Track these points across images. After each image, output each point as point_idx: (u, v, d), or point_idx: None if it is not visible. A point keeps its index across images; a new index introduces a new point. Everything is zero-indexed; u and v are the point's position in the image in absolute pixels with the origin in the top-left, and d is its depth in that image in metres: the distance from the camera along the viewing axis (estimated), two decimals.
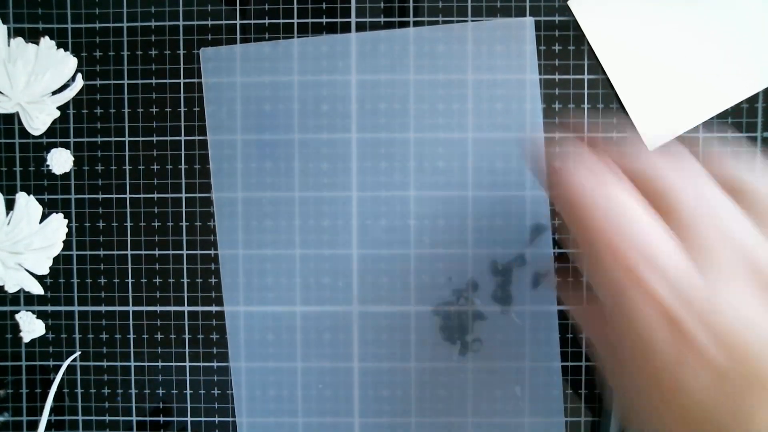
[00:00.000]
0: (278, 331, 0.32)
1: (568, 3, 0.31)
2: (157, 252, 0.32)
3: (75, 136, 0.32)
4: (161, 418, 0.32)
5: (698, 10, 0.31)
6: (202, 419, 0.32)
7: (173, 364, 0.32)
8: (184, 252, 0.32)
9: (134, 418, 0.32)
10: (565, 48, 0.31)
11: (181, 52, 0.32)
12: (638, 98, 0.31)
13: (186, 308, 0.32)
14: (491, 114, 0.31)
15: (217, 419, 0.32)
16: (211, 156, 0.32)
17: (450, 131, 0.31)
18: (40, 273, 0.32)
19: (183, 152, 0.32)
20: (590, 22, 0.31)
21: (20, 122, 0.32)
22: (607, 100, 0.31)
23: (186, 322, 0.32)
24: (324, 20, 0.32)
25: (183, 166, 0.32)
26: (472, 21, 0.31)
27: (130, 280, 0.32)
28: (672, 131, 0.31)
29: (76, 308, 0.32)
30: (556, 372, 0.31)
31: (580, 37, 0.31)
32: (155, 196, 0.32)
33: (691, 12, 0.31)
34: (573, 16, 0.31)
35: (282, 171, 0.31)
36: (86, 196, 0.32)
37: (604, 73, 0.31)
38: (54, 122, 0.32)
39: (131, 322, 0.32)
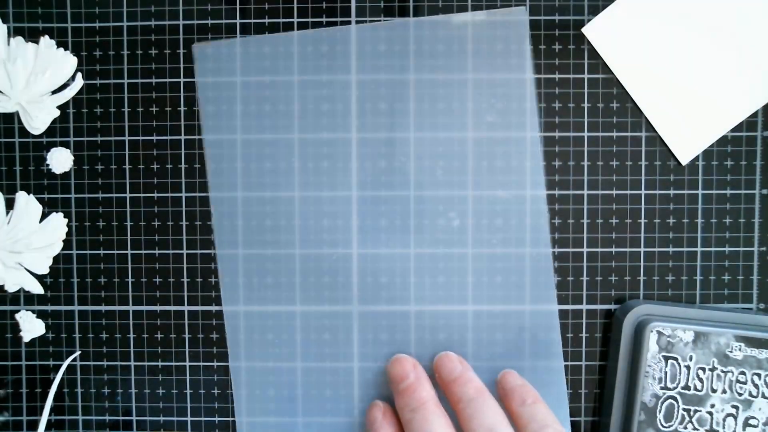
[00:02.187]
0: (278, 330, 0.32)
1: (583, 30, 0.31)
2: (156, 251, 0.32)
3: (75, 136, 0.32)
4: (161, 418, 0.32)
5: (713, 27, 0.31)
6: (202, 419, 0.32)
7: (173, 363, 0.32)
8: (184, 251, 0.32)
9: (134, 418, 0.32)
10: (565, 47, 0.31)
11: (181, 51, 0.32)
12: (665, 117, 0.31)
13: (186, 308, 0.32)
14: (491, 113, 0.31)
15: (217, 419, 0.32)
16: (210, 156, 0.32)
17: (450, 130, 0.31)
18: (40, 272, 0.32)
19: (183, 152, 0.32)
20: (607, 49, 0.31)
21: (20, 122, 0.32)
22: (606, 99, 0.31)
23: (186, 322, 0.32)
24: (324, 19, 0.32)
25: (183, 166, 0.32)
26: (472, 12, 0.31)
27: (130, 280, 0.32)
28: (701, 144, 0.31)
29: (76, 308, 0.32)
30: (559, 372, 0.31)
31: (580, 36, 0.31)
32: (155, 195, 0.32)
33: (706, 30, 0.31)
34: (573, 15, 0.31)
35: (282, 171, 0.31)
36: (86, 196, 0.32)
37: (604, 72, 0.31)
38: (54, 121, 0.32)
39: (131, 321, 0.32)
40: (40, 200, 0.32)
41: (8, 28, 0.32)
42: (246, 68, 0.31)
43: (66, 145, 0.32)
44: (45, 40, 0.31)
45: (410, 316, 0.31)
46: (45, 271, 0.32)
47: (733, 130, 0.31)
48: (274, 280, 0.32)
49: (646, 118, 0.31)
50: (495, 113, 0.31)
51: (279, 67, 0.31)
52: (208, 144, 0.32)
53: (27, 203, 0.32)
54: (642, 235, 0.32)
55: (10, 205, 0.32)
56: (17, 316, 0.32)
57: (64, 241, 0.32)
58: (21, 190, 0.32)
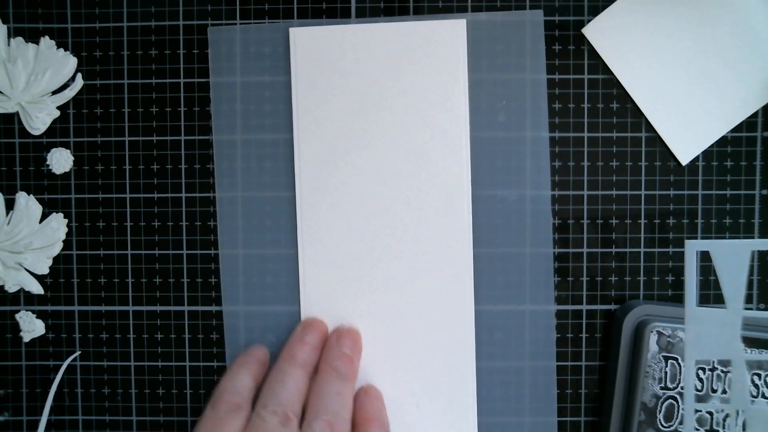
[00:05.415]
0: (278, 330, 0.32)
1: (583, 31, 0.31)
2: (157, 252, 0.32)
3: (75, 136, 0.32)
4: (161, 418, 0.32)
5: (713, 27, 0.31)
6: None
7: (173, 363, 0.32)
8: (184, 252, 0.32)
9: (134, 418, 0.32)
10: (565, 48, 0.31)
11: (181, 51, 0.32)
12: (665, 118, 0.31)
13: (186, 308, 0.32)
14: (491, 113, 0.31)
15: None
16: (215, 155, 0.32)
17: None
18: (40, 273, 0.32)
19: (183, 152, 0.32)
20: (607, 49, 0.31)
21: (20, 122, 0.32)
22: (606, 100, 0.31)
23: (186, 322, 0.32)
24: (324, 20, 0.32)
25: (183, 166, 0.32)
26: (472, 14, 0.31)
27: (130, 280, 0.32)
28: (701, 144, 0.31)
29: (76, 308, 0.32)
30: (551, 371, 0.31)
31: (580, 37, 0.31)
32: (155, 195, 0.32)
33: (706, 30, 0.31)
34: (572, 15, 0.31)
35: (282, 171, 0.31)
36: (86, 196, 0.32)
37: (604, 72, 0.31)
38: (54, 122, 0.32)
39: (131, 321, 0.32)
40: (40, 201, 0.32)
41: (8, 28, 0.32)
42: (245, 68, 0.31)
43: (66, 145, 0.32)
44: (45, 40, 0.31)
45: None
46: (45, 271, 0.32)
47: (733, 131, 0.31)
48: (274, 280, 0.32)
49: (646, 118, 0.31)
50: (499, 113, 0.31)
51: (278, 68, 0.31)
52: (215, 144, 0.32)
53: (27, 203, 0.32)
54: (642, 235, 0.32)
55: (10, 205, 0.32)
56: (17, 316, 0.32)
57: (64, 241, 0.32)
58: (21, 190, 0.32)
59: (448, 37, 0.30)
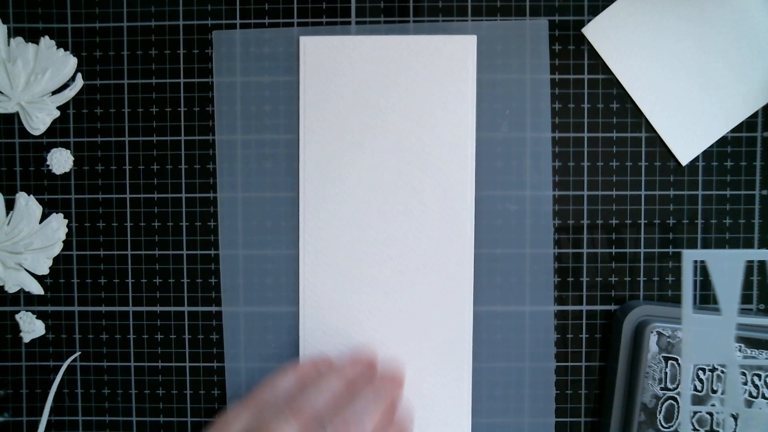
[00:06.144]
0: (278, 331, 0.32)
1: (583, 31, 0.31)
2: (157, 252, 0.32)
3: (75, 136, 0.32)
4: (161, 418, 0.32)
5: (713, 28, 0.31)
6: (202, 419, 0.32)
7: (173, 364, 0.32)
8: (184, 252, 0.32)
9: (134, 419, 0.32)
10: (564, 48, 0.31)
11: (181, 52, 0.32)
12: (665, 118, 0.31)
13: (186, 308, 0.32)
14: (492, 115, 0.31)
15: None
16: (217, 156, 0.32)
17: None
18: (40, 273, 0.32)
19: (183, 152, 0.32)
20: (607, 49, 0.31)
21: (20, 122, 0.32)
22: (606, 100, 0.31)
23: (186, 323, 0.32)
24: (324, 20, 0.32)
25: (183, 166, 0.32)
26: (473, 21, 0.31)
27: (130, 281, 0.32)
28: (701, 145, 0.31)
29: (76, 308, 0.32)
30: (550, 372, 0.31)
31: (580, 37, 0.31)
32: (155, 196, 0.32)
33: (705, 30, 0.31)
34: (572, 15, 0.31)
35: (282, 171, 0.31)
36: (86, 196, 0.32)
37: (603, 72, 0.31)
38: (54, 122, 0.32)
39: (131, 322, 0.32)
40: (40, 201, 0.32)
41: (8, 28, 0.32)
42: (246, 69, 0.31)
43: (66, 145, 0.32)
44: (45, 40, 0.31)
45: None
46: (45, 271, 0.32)
47: (732, 131, 0.31)
48: (274, 280, 0.32)
49: (646, 118, 0.31)
50: (502, 123, 0.31)
51: (279, 68, 0.31)
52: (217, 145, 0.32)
53: (27, 204, 0.32)
54: (642, 235, 0.32)
55: (10, 205, 0.32)
56: (17, 316, 0.32)
57: (64, 241, 0.32)
58: (21, 190, 0.32)
59: (458, 52, 0.31)
